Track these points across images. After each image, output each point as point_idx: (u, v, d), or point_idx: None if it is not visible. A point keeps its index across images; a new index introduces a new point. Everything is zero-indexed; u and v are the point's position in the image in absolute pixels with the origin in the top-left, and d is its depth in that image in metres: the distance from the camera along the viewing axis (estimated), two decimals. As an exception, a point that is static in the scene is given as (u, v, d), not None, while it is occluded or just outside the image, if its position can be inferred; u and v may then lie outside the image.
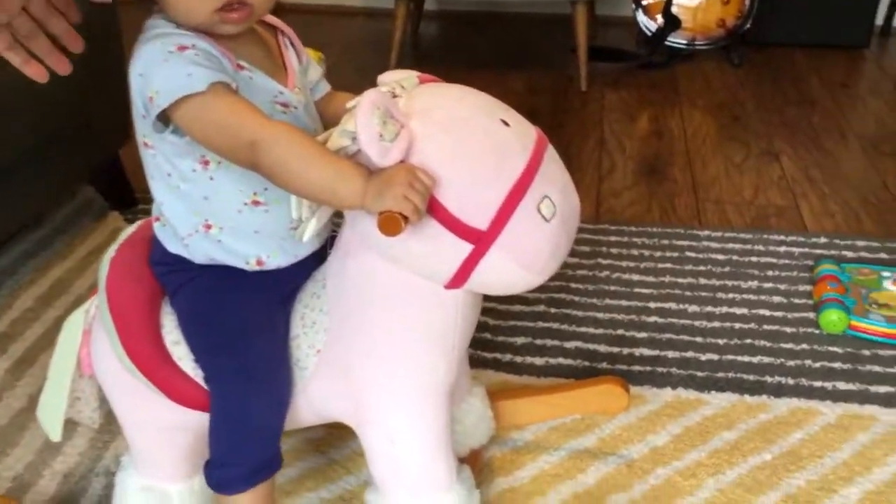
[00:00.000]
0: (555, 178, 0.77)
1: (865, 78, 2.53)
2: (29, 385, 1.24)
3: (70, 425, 1.02)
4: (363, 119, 0.69)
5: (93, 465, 1.10)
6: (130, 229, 0.94)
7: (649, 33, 2.57)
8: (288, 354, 0.85)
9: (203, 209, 0.81)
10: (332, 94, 0.91)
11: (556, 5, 2.51)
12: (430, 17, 2.92)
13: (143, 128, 0.79)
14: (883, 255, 1.56)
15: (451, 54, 2.62)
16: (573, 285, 1.47)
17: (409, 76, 0.80)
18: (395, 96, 0.75)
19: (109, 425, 1.14)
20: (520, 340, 1.33)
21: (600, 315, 1.39)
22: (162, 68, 0.73)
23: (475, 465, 1.04)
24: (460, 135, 0.74)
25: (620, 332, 1.35)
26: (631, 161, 1.98)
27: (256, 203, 0.81)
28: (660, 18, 2.54)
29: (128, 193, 1.73)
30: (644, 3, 2.57)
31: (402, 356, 0.82)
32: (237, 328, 0.83)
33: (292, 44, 0.87)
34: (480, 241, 0.74)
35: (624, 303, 1.42)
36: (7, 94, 1.27)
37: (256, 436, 0.83)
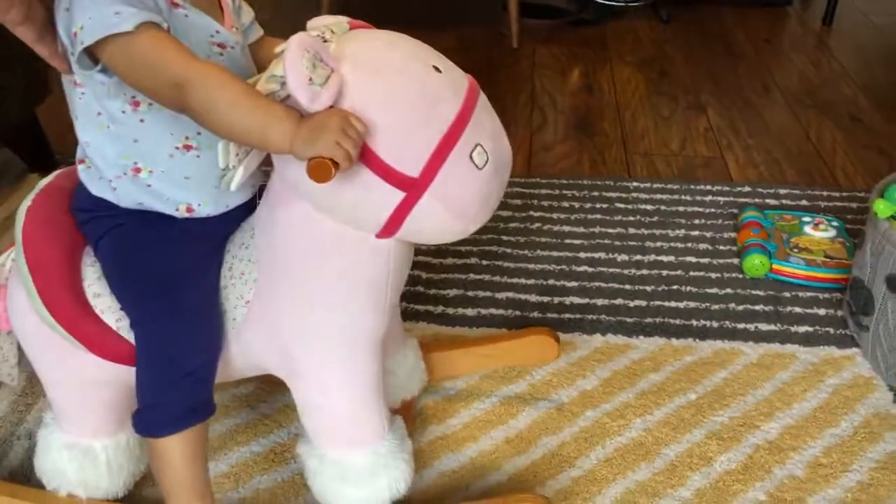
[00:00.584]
0: (487, 126, 0.77)
1: (788, 34, 2.58)
2: (-55, 351, 1.19)
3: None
4: (292, 63, 0.67)
5: (14, 428, 1.07)
6: (47, 179, 0.91)
7: (580, -10, 2.58)
8: (219, 302, 0.84)
9: (132, 151, 0.79)
10: (264, 39, 0.89)
11: (486, -39, 2.50)
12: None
13: (69, 62, 0.76)
14: (804, 203, 1.60)
15: (382, 12, 2.55)
16: (504, 237, 1.48)
17: (339, 21, 0.78)
18: (325, 41, 0.73)
19: (32, 387, 1.12)
20: (452, 292, 1.34)
21: (531, 266, 1.41)
22: (89, 4, 0.70)
23: (408, 415, 1.04)
24: (392, 80, 0.73)
25: (551, 281, 1.37)
26: (562, 116, 1.99)
27: (188, 147, 0.79)
28: (590, -25, 2.55)
29: (47, 154, 1.67)
30: (574, -41, 2.57)
31: (333, 307, 0.81)
32: (166, 274, 0.81)
33: None
34: (412, 188, 0.73)
35: (555, 253, 1.44)
36: None
37: (186, 378, 0.82)
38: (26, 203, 0.87)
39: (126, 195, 0.81)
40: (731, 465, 1.03)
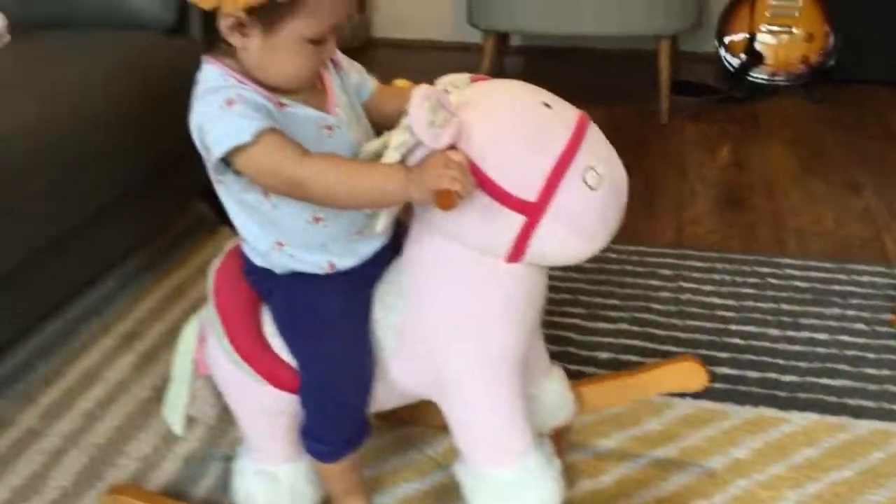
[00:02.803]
0: (599, 151, 0.85)
1: (951, 115, 2.52)
2: (153, 378, 1.36)
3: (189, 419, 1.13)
4: (416, 109, 0.78)
5: (211, 450, 1.21)
6: (230, 244, 1.05)
7: (731, 69, 2.63)
8: (368, 340, 0.94)
9: (272, 230, 0.90)
10: (382, 90, 0.97)
11: (638, 41, 2.59)
12: (515, 51, 3.03)
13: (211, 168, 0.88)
14: (967, 288, 1.57)
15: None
16: (655, 306, 1.53)
17: (462, 77, 0.89)
18: (447, 92, 0.84)
19: (222, 422, 1.26)
20: (603, 355, 1.40)
21: (682, 335, 1.45)
22: (215, 123, 0.81)
23: (557, 443, 1.09)
24: (505, 116, 0.83)
25: (702, 351, 1.41)
26: (712, 191, 2.03)
27: (317, 220, 0.89)
28: (742, 55, 2.59)
29: (236, 210, 1.86)
30: (727, 40, 2.63)
31: (473, 330, 0.90)
32: (319, 321, 0.93)
33: (334, 62, 0.93)
34: (532, 211, 0.82)
35: (705, 324, 1.48)
36: (131, 121, 1.42)
37: (342, 415, 0.94)
38: (215, 265, 1.02)
39: (278, 264, 0.93)
40: (887, 545, 1.03)
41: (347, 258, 0.93)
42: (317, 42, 0.83)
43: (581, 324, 1.47)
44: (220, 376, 1.00)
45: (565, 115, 0.86)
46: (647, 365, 1.25)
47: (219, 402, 1.08)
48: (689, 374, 1.15)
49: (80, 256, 1.42)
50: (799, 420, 1.25)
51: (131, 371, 1.38)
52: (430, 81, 0.88)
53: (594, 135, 0.87)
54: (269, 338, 0.95)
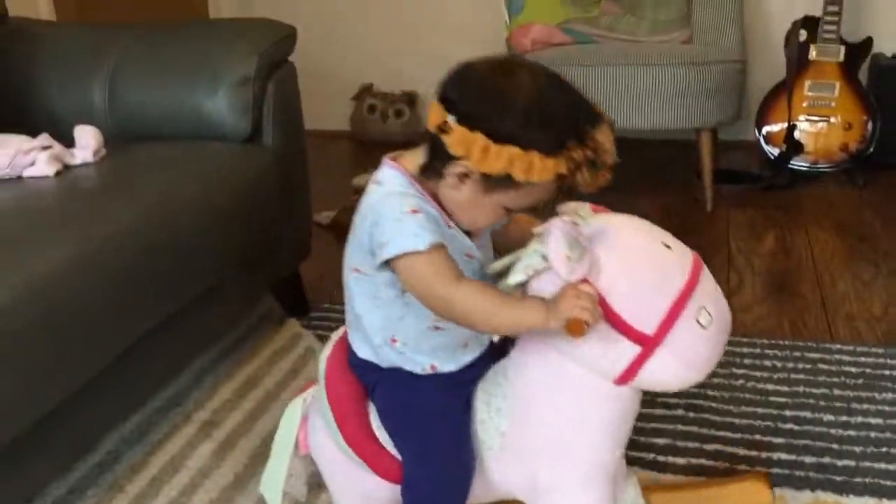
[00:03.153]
0: (710, 292, 0.93)
1: None
2: (232, 465, 1.44)
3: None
4: (554, 244, 0.87)
5: (291, 535, 1.28)
6: (339, 332, 1.14)
7: (772, 157, 2.71)
8: (469, 441, 1.01)
9: (394, 326, 0.99)
10: (514, 217, 1.06)
11: (680, 132, 2.70)
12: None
13: (359, 258, 0.97)
14: None
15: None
16: (710, 392, 1.58)
17: (583, 206, 0.98)
18: (578, 226, 0.93)
19: (310, 489, 1.33)
20: (662, 441, 1.45)
21: (737, 421, 1.49)
22: (396, 224, 0.91)
23: None
24: (632, 255, 0.92)
25: (758, 436, 1.45)
26: (759, 277, 2.09)
27: (437, 328, 0.99)
28: (782, 144, 2.67)
29: (303, 303, 1.97)
30: (766, 130, 2.72)
31: (578, 441, 0.97)
32: (419, 419, 1.01)
33: None
34: (647, 344, 0.90)
35: (760, 410, 1.52)
36: (214, 224, 1.54)
37: None
38: (326, 352, 1.10)
39: (385, 358, 1.02)
40: None
41: (449, 363, 1.01)
42: (510, 211, 0.94)
43: (641, 411, 1.52)
44: (324, 459, 1.08)
45: (683, 257, 0.95)
46: (716, 479, 1.31)
47: (310, 482, 1.16)
48: (756, 493, 1.23)
49: (162, 351, 1.52)
50: (857, 504, 1.28)
51: (212, 458, 1.46)
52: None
53: (706, 276, 0.95)
54: (375, 429, 1.03)
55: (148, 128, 1.72)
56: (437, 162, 0.92)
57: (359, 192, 3.15)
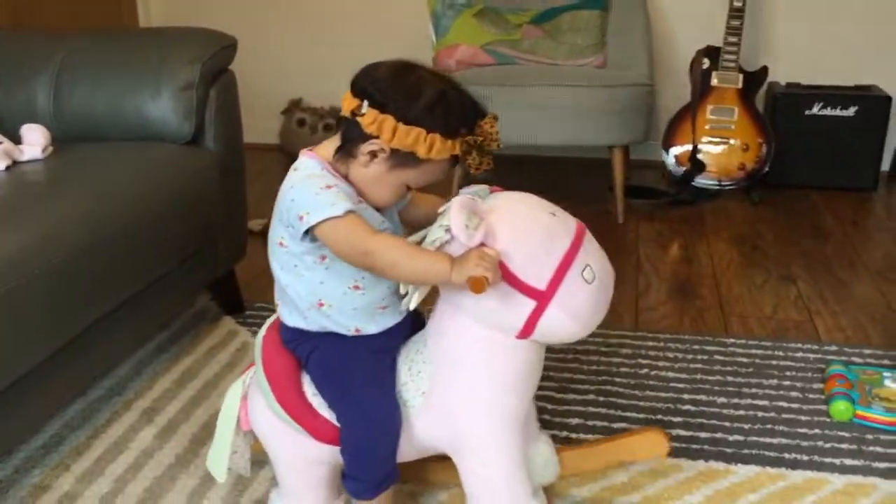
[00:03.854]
0: (593, 252, 1.08)
1: (873, 216, 2.83)
2: (174, 447, 1.51)
3: (211, 478, 1.30)
4: (455, 215, 1.01)
5: (239, 497, 1.36)
6: (273, 316, 1.24)
7: (678, 176, 2.93)
8: (394, 396, 1.13)
9: (318, 291, 1.11)
10: (416, 196, 1.21)
11: (594, 150, 2.89)
12: (483, 160, 3.32)
13: (282, 232, 1.10)
14: (886, 362, 1.81)
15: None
16: (617, 380, 1.74)
17: (483, 188, 1.13)
18: (474, 201, 1.07)
19: (242, 479, 1.41)
20: (574, 421, 1.59)
21: (641, 404, 1.65)
22: (315, 197, 1.04)
23: (548, 497, 1.28)
24: (521, 223, 1.06)
25: (659, 416, 1.61)
26: (664, 282, 2.27)
27: (356, 288, 1.11)
28: (687, 163, 2.90)
29: (238, 302, 2.06)
30: (672, 151, 2.94)
31: (487, 395, 1.10)
32: (351, 378, 1.13)
33: None
34: (541, 298, 1.04)
35: (662, 394, 1.69)
36: (156, 222, 1.62)
37: (376, 460, 1.12)
38: (261, 334, 1.21)
39: (314, 322, 1.14)
40: (819, 569, 1.22)
41: (371, 326, 1.13)
42: (409, 188, 1.10)
43: (554, 395, 1.67)
44: (265, 431, 1.17)
45: (568, 223, 1.09)
46: (619, 434, 1.46)
47: (253, 458, 1.26)
48: (655, 443, 1.39)
49: (102, 343, 1.58)
50: (744, 472, 1.45)
51: (154, 441, 1.53)
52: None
53: (589, 240, 1.10)
54: (310, 397, 1.14)
55: (92, 129, 1.79)
56: (349, 144, 1.07)
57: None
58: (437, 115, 1.04)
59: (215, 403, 1.65)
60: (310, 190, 1.05)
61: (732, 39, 2.89)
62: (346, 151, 1.08)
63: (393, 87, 1.05)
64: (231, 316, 2.03)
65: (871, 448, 1.51)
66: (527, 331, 1.07)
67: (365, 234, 1.04)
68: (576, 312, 1.06)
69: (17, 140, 1.64)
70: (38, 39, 1.91)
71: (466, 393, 1.10)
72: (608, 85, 2.65)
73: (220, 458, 1.23)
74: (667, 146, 2.95)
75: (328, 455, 1.15)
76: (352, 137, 1.07)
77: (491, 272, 0.99)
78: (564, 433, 1.55)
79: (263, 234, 2.50)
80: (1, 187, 1.51)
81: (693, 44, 3.02)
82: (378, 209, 1.12)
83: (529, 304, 1.05)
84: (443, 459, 1.31)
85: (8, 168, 1.56)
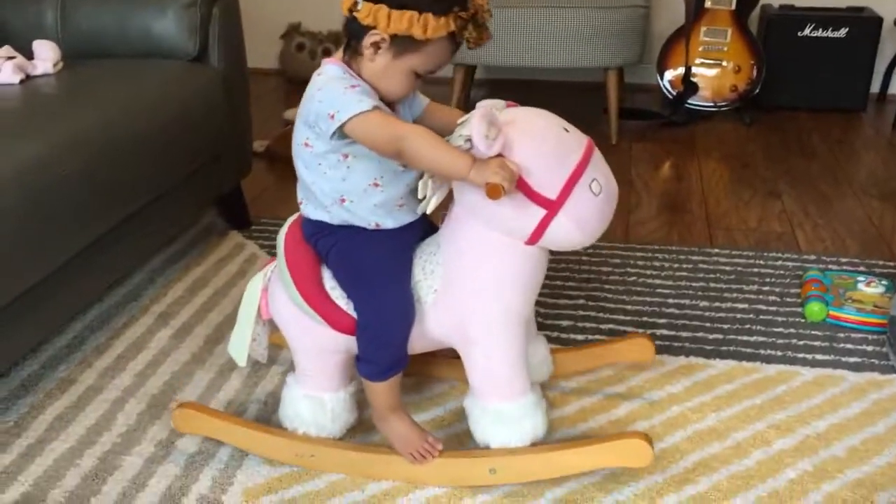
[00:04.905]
0: (601, 167, 1.15)
1: (860, 136, 2.90)
2: (189, 347, 1.62)
3: (226, 372, 1.40)
4: (476, 125, 1.07)
5: (248, 397, 1.47)
6: (293, 216, 1.32)
7: (671, 97, 2.98)
8: (409, 289, 1.21)
9: (340, 187, 1.19)
10: (431, 106, 1.28)
11: (590, 73, 2.94)
12: (480, 83, 3.37)
13: (306, 132, 1.17)
14: (861, 268, 1.91)
15: (499, 114, 3.04)
16: (607, 286, 1.83)
17: (499, 102, 1.20)
18: (491, 112, 1.14)
19: (258, 370, 1.52)
20: (565, 323, 1.69)
21: (628, 307, 1.75)
22: (341, 97, 1.11)
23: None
24: (537, 136, 1.13)
25: (644, 318, 1.71)
26: (655, 199, 2.36)
27: (376, 185, 1.19)
28: (680, 85, 2.95)
29: (245, 217, 2.14)
30: (666, 72, 2.98)
31: (496, 295, 1.19)
32: (370, 270, 1.21)
33: None
34: (551, 207, 1.12)
35: (648, 299, 1.79)
36: (164, 135, 1.69)
37: (390, 344, 1.21)
38: (283, 231, 1.28)
39: (336, 216, 1.21)
40: (785, 447, 1.34)
41: (389, 220, 1.21)
42: (419, 76, 1.15)
43: (547, 300, 1.77)
44: (286, 320, 1.27)
45: (579, 138, 1.16)
46: (608, 339, 1.57)
47: (270, 346, 1.36)
48: (642, 348, 1.49)
49: (118, 250, 1.66)
50: (721, 366, 1.55)
51: (170, 341, 1.64)
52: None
53: (598, 155, 1.17)
54: (329, 290, 1.23)
55: (99, 47, 1.85)
56: (353, 41, 1.14)
57: (290, 123, 3.34)
58: None
59: (226, 309, 1.75)
60: (336, 90, 1.12)
61: (727, -40, 2.91)
62: (352, 49, 1.15)
63: None
64: (238, 230, 2.11)
65: (842, 345, 1.61)
66: (535, 237, 1.15)
67: (395, 123, 1.11)
68: (582, 222, 1.14)
69: (29, 55, 1.70)
70: (44, -42, 1.95)
71: (476, 291, 1.19)
72: (603, 6, 2.68)
73: (242, 344, 1.32)
74: (661, 69, 3.00)
75: (343, 344, 1.25)
76: (354, 34, 1.13)
77: (508, 181, 1.06)
78: (556, 334, 1.65)
79: (265, 155, 2.60)
80: (17, 99, 1.58)
81: (688, -35, 3.03)
82: (391, 105, 1.18)
83: (540, 212, 1.12)
84: (446, 357, 1.42)
85: (22, 82, 1.62)
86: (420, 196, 1.16)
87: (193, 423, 1.34)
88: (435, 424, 1.40)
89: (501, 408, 1.22)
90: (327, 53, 3.46)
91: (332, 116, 1.11)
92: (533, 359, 1.37)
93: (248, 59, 2.07)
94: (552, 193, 1.12)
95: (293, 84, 3.49)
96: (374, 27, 1.10)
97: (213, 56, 1.91)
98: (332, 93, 1.13)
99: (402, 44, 1.11)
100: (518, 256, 1.18)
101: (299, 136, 1.20)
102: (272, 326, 1.33)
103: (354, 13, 1.11)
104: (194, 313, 1.73)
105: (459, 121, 1.16)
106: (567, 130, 1.16)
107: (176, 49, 1.85)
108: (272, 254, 1.96)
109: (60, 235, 1.41)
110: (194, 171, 1.84)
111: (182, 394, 1.48)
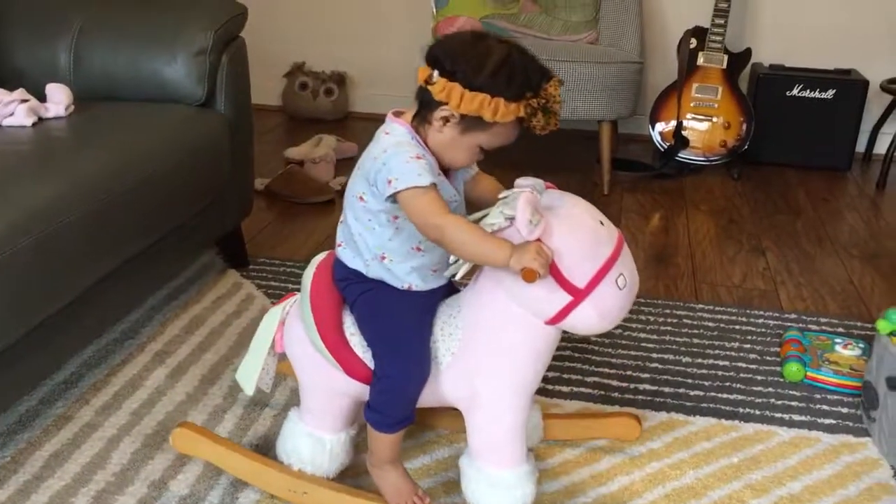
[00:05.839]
0: (627, 263, 1.20)
1: (846, 195, 2.98)
2: (184, 386, 1.66)
3: (220, 413, 1.44)
4: (522, 209, 1.11)
5: (240, 439, 1.51)
6: (322, 255, 1.35)
7: (662, 150, 3.06)
8: (429, 348, 1.26)
9: (385, 245, 1.23)
10: (478, 175, 1.32)
11: (584, 123, 3.01)
12: (477, 128, 3.44)
13: (363, 187, 1.20)
14: (840, 329, 1.96)
15: (496, 159, 3.10)
16: (593, 339, 1.88)
17: (538, 182, 1.23)
18: (537, 196, 1.18)
19: (255, 404, 1.56)
20: (551, 374, 1.74)
21: (613, 360, 1.81)
22: (405, 165, 1.15)
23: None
24: (574, 225, 1.17)
25: (629, 372, 1.76)
26: (643, 251, 2.42)
27: (418, 249, 1.24)
28: (672, 139, 3.03)
29: (243, 256, 2.19)
30: (658, 126, 3.07)
31: (510, 366, 1.23)
32: (396, 329, 1.25)
33: None
34: (578, 294, 1.16)
35: (632, 353, 1.84)
36: (170, 178, 1.75)
37: (402, 399, 1.26)
38: (312, 267, 1.32)
39: (374, 271, 1.25)
40: (759, 507, 1.38)
41: (422, 284, 1.26)
42: (483, 150, 1.20)
43: (533, 351, 1.82)
44: (299, 357, 1.31)
45: (612, 233, 1.20)
46: (598, 412, 1.61)
47: (277, 379, 1.38)
48: (628, 427, 1.53)
49: (119, 289, 1.71)
50: (701, 423, 1.60)
51: (166, 380, 1.68)
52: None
53: (626, 250, 1.21)
54: (349, 336, 1.27)
55: (110, 90, 1.91)
56: (424, 110, 1.18)
57: (290, 162, 3.43)
58: (500, 80, 1.12)
59: (221, 349, 1.79)
60: (401, 157, 1.15)
61: (719, 21, 3.00)
62: (421, 117, 1.19)
63: (461, 55, 1.13)
64: (236, 269, 2.16)
65: (819, 406, 1.67)
66: (557, 319, 1.19)
67: (441, 210, 1.14)
68: (604, 312, 1.18)
69: (41, 98, 1.75)
70: (61, 3, 2.01)
71: (491, 360, 1.23)
72: (599, 61, 2.76)
73: (251, 374, 1.36)
74: (653, 121, 3.08)
75: (354, 389, 1.29)
76: (426, 104, 1.17)
77: (543, 268, 1.10)
78: (542, 384, 1.70)
79: (265, 193, 2.65)
80: (30, 142, 1.63)
81: (682, 24, 3.14)
82: (447, 173, 1.22)
83: (566, 298, 1.16)
84: (444, 410, 1.46)
85: (34, 124, 1.68)
86: (451, 261, 1.20)
87: (192, 444, 1.39)
88: (422, 472, 1.45)
89: (497, 473, 1.26)
90: (329, 93, 3.54)
91: (391, 182, 1.15)
92: (527, 424, 1.42)
93: (252, 97, 2.12)
94: (581, 283, 1.15)
95: (295, 122, 3.56)
96: (446, 103, 1.14)
97: (220, 101, 1.97)
98: (396, 158, 1.16)
99: (470, 122, 1.15)
100: (537, 333, 1.22)
101: (356, 187, 1.23)
102: (281, 357, 1.38)
103: (429, 85, 1.15)
104: (190, 352, 1.78)
105: (501, 195, 1.19)
106: (602, 224, 1.20)
107: (184, 94, 1.91)
108: (270, 294, 2.02)
109: (65, 277, 1.45)
110: (197, 212, 1.89)
111: (176, 434, 1.52)
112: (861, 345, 1.82)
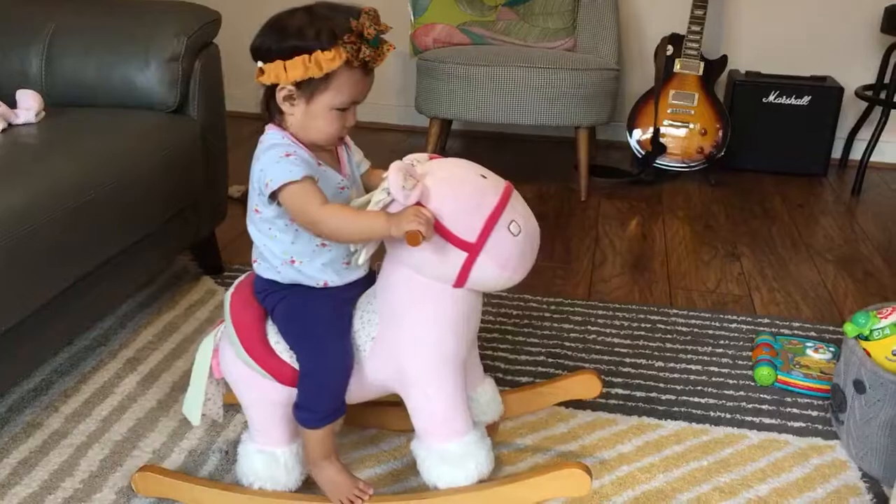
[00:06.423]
0: (519, 209, 1.22)
1: (820, 201, 3.00)
2: (156, 393, 1.65)
3: (189, 423, 1.43)
4: (393, 176, 1.14)
5: (209, 446, 1.50)
6: (241, 277, 1.37)
7: (640, 156, 3.08)
8: (350, 341, 1.27)
9: (289, 249, 1.25)
10: (372, 170, 1.36)
11: (562, 130, 3.03)
12: (456, 135, 3.45)
13: (257, 201, 1.23)
14: (812, 334, 1.98)
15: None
16: (567, 344, 1.89)
17: (422, 155, 1.27)
18: (412, 165, 1.20)
19: (215, 424, 1.55)
20: (524, 380, 1.74)
21: (587, 365, 1.81)
22: (276, 165, 1.18)
23: (492, 434, 1.45)
24: (453, 183, 1.19)
25: (602, 377, 1.76)
26: (619, 256, 2.43)
27: (323, 245, 1.26)
28: (649, 146, 3.04)
29: (217, 263, 2.18)
30: (635, 132, 3.08)
31: (429, 338, 1.24)
32: (313, 324, 1.26)
33: (346, 144, 1.32)
34: (471, 249, 1.18)
35: (605, 357, 1.84)
36: (143, 184, 1.74)
37: (326, 392, 1.27)
38: (230, 291, 1.34)
39: (286, 275, 1.27)
40: (728, 509, 1.39)
41: (336, 279, 1.27)
42: (340, 110, 1.20)
43: (508, 356, 1.82)
44: (234, 376, 1.31)
45: (497, 183, 1.23)
46: (554, 377, 1.62)
47: (224, 405, 1.39)
48: (589, 384, 1.54)
49: (91, 295, 1.70)
50: (672, 426, 1.61)
51: (137, 387, 1.67)
52: (389, 157, 1.25)
53: (516, 198, 1.23)
54: (273, 345, 1.28)
55: (82, 96, 1.90)
56: (270, 103, 1.21)
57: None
58: (308, 35, 1.14)
59: (194, 355, 1.78)
60: (272, 158, 1.18)
61: (695, 28, 3.03)
62: (272, 111, 1.22)
63: (267, 35, 1.18)
64: (210, 276, 2.15)
65: (789, 409, 1.68)
66: (461, 279, 1.20)
67: (315, 202, 1.17)
68: (503, 261, 1.20)
69: (12, 104, 1.75)
70: (32, 7, 2.01)
71: (411, 336, 1.25)
72: (576, 68, 2.78)
73: (195, 403, 1.36)
74: (630, 128, 3.10)
75: (289, 397, 1.29)
76: (271, 98, 1.20)
77: (424, 226, 1.12)
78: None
79: (242, 201, 2.64)
80: (0, 147, 1.62)
81: (659, 31, 3.16)
82: (335, 152, 1.24)
83: (462, 255, 1.18)
84: (402, 407, 1.46)
85: (4, 130, 1.67)
86: (352, 249, 1.24)
87: (154, 486, 1.38)
88: (392, 477, 1.44)
89: (444, 447, 1.27)
90: (308, 100, 3.53)
91: (267, 185, 1.18)
92: (480, 399, 1.43)
93: (229, 104, 2.12)
94: (471, 236, 1.17)
95: (273, 129, 3.54)
96: (279, 83, 1.16)
97: (193, 108, 1.97)
98: (268, 160, 1.19)
99: (307, 87, 1.17)
100: (448, 299, 1.23)
101: (251, 202, 1.26)
102: (226, 385, 1.37)
103: (261, 79, 1.18)
104: (162, 359, 1.77)
105: (383, 176, 1.21)
106: (485, 177, 1.22)
107: (156, 101, 1.91)
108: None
109: (36, 283, 1.45)
110: (170, 218, 1.88)
111: (146, 440, 1.51)
112: (832, 349, 1.83)
